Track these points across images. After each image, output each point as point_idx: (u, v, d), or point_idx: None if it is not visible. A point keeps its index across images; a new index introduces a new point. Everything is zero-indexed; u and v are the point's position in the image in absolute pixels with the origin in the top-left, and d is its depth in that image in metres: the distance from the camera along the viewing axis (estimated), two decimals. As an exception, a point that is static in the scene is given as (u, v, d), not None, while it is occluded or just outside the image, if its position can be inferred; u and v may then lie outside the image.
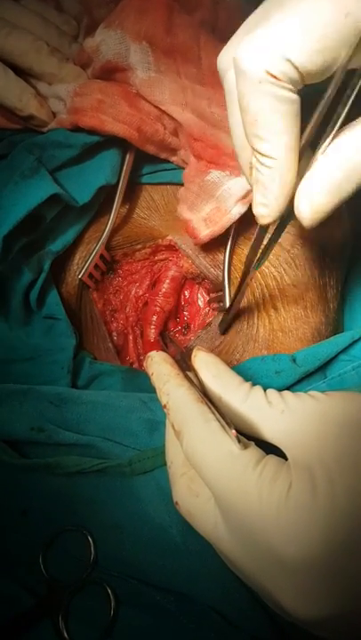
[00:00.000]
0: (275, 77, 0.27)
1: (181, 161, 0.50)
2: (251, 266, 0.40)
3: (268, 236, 0.37)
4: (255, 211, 0.32)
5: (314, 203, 0.30)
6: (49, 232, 0.48)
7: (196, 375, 0.36)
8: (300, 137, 0.29)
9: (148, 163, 0.51)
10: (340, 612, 0.25)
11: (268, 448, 0.30)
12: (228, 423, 0.30)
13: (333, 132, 0.29)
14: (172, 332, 0.57)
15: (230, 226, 0.47)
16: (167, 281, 0.55)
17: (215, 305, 0.53)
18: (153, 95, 0.45)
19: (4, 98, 0.44)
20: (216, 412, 0.31)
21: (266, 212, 0.32)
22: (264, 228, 0.36)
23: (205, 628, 0.37)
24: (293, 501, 0.26)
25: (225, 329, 0.51)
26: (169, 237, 0.53)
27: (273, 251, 0.39)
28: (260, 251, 0.39)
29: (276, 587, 0.27)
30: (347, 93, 0.27)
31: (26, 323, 0.50)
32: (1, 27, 0.43)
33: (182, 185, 0.48)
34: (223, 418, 0.30)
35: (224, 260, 0.50)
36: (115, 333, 0.55)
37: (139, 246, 0.54)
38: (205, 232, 0.47)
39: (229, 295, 0.50)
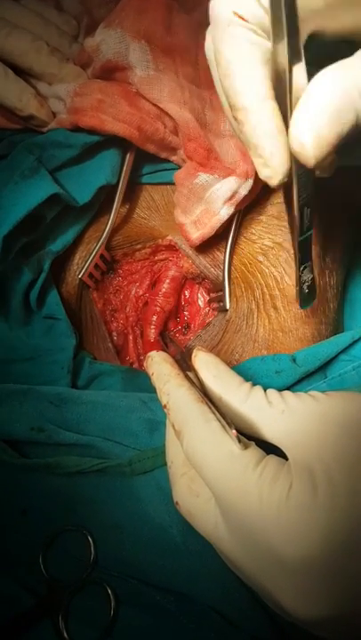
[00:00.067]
0: (243, 19, 0.26)
1: (181, 160, 0.50)
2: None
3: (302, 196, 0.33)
4: (261, 175, 0.30)
5: (315, 127, 0.26)
6: (49, 232, 0.48)
7: (197, 375, 0.36)
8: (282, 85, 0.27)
9: (148, 163, 0.51)
10: (340, 612, 0.25)
11: (269, 448, 0.30)
12: (228, 423, 0.30)
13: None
14: (172, 331, 0.56)
15: (230, 226, 0.47)
16: (167, 281, 0.55)
17: (215, 305, 0.53)
18: (152, 93, 0.45)
19: (3, 98, 0.44)
20: (216, 412, 0.31)
21: (269, 173, 0.29)
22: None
23: (205, 628, 0.37)
24: (294, 501, 0.26)
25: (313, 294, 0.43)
26: (169, 237, 0.53)
27: (273, 251, 0.38)
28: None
29: (276, 587, 0.27)
30: None
31: (26, 323, 0.50)
32: (1, 27, 0.43)
33: (181, 185, 0.49)
34: (224, 418, 0.30)
35: (224, 260, 0.50)
36: (115, 333, 0.55)
37: (139, 246, 0.54)
38: (196, 234, 0.47)
39: (229, 295, 0.50)
